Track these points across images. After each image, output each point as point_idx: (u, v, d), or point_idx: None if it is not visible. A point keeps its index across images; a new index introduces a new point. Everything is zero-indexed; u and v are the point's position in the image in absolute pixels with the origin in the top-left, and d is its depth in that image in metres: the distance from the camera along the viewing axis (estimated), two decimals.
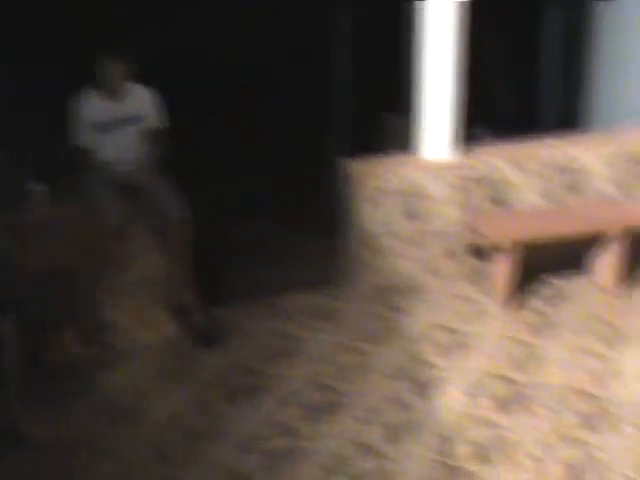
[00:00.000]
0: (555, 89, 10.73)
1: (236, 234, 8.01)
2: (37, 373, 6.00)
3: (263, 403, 5.88)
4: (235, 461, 5.32)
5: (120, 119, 6.42)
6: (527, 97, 10.73)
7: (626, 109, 9.29)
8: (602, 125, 9.16)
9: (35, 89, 8.06)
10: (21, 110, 7.78)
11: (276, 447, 5.44)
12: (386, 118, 9.70)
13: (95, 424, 5.67)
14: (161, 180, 6.48)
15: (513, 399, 5.97)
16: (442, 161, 7.42)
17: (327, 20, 9.89)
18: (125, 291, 6.55)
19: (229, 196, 8.72)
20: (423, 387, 6.08)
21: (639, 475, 5.22)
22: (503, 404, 5.91)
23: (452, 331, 6.82)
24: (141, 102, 6.51)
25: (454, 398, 5.97)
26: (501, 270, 7.10)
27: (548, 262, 7.56)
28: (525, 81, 10.73)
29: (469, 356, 6.48)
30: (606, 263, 7.43)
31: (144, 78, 6.55)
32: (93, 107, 6.42)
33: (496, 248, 7.11)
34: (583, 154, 7.76)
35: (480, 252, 7.45)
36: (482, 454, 5.40)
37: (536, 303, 7.26)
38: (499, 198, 7.53)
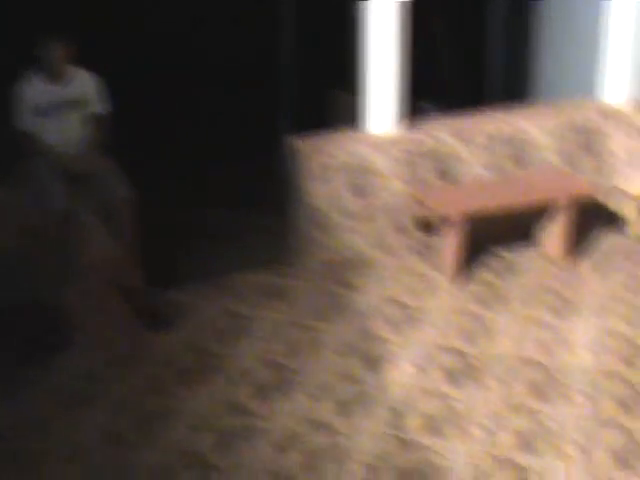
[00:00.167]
0: (502, 62, 10.78)
1: (187, 216, 8.00)
2: None
3: (216, 383, 5.89)
4: (188, 441, 5.31)
5: (63, 103, 6.37)
6: (474, 71, 10.77)
7: (572, 81, 9.37)
8: (548, 97, 9.23)
9: None
10: None
11: (229, 426, 5.44)
12: (335, 96, 9.71)
13: (48, 408, 5.64)
14: (105, 163, 6.45)
15: (463, 371, 6.02)
16: (388, 135, 7.44)
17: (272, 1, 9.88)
18: (75, 275, 6.52)
19: (180, 179, 8.72)
20: (374, 362, 6.12)
21: (589, 442, 5.29)
22: (454, 376, 5.96)
23: (402, 305, 6.86)
24: (84, 86, 6.46)
25: (405, 372, 6.01)
26: (449, 243, 7.14)
27: (496, 234, 7.63)
28: (472, 54, 10.77)
29: (419, 330, 6.52)
30: (553, 234, 7.50)
31: (86, 62, 6.50)
32: (36, 91, 6.37)
33: (444, 221, 7.15)
34: (529, 126, 7.82)
35: (428, 226, 7.49)
36: (434, 426, 5.44)
37: (485, 275, 7.32)
38: (446, 171, 7.57)
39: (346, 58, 8.20)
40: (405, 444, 5.28)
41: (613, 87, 8.08)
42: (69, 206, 6.27)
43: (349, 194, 7.33)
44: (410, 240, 7.61)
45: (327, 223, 7.38)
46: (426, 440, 5.32)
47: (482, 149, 7.65)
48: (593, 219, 7.96)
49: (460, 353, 6.23)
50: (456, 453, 5.21)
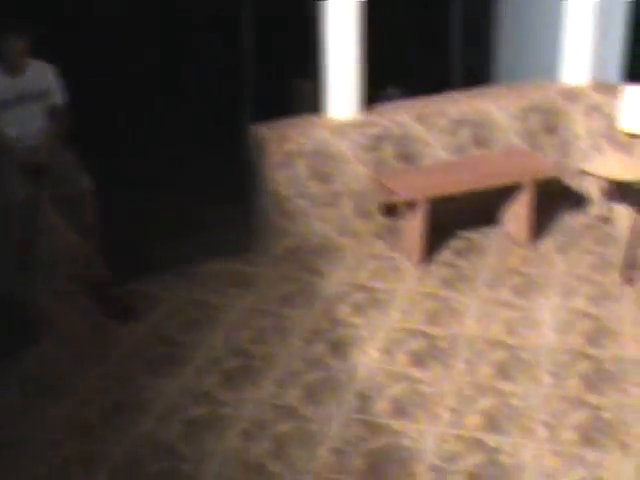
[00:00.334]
0: (464, 46, 10.82)
1: (151, 206, 7.97)
2: None
3: (183, 372, 5.87)
4: (157, 432, 5.30)
5: (22, 95, 6.30)
6: (437, 55, 10.81)
7: (533, 63, 9.42)
8: (510, 80, 9.27)
9: None
10: None
11: (197, 415, 5.44)
12: (297, 84, 9.71)
13: (13, 403, 5.62)
14: (64, 154, 6.40)
15: (430, 353, 6.04)
16: (350, 120, 7.44)
17: None
18: (37, 267, 6.48)
19: (144, 168, 8.68)
20: (340, 347, 6.12)
21: (556, 420, 5.33)
22: (420, 359, 5.98)
23: (367, 290, 6.87)
24: (42, 78, 6.39)
25: (372, 356, 6.02)
26: (414, 226, 7.15)
27: (460, 216, 7.65)
28: (436, 39, 10.80)
29: (385, 314, 6.54)
30: (517, 215, 7.53)
31: (43, 53, 6.44)
32: None
33: (408, 205, 7.16)
34: (491, 108, 7.84)
35: (391, 209, 7.50)
36: (401, 409, 5.46)
37: (449, 257, 7.35)
38: (408, 155, 7.58)
39: (309, 47, 8.18)
40: (374, 428, 5.29)
41: (573, 68, 8.10)
42: (29, 198, 6.22)
43: (312, 180, 7.33)
44: (374, 224, 7.62)
45: (292, 210, 7.37)
46: (394, 423, 5.34)
47: (445, 132, 7.66)
48: (556, 199, 8.00)
49: (426, 335, 6.25)
50: (425, 435, 5.23)
